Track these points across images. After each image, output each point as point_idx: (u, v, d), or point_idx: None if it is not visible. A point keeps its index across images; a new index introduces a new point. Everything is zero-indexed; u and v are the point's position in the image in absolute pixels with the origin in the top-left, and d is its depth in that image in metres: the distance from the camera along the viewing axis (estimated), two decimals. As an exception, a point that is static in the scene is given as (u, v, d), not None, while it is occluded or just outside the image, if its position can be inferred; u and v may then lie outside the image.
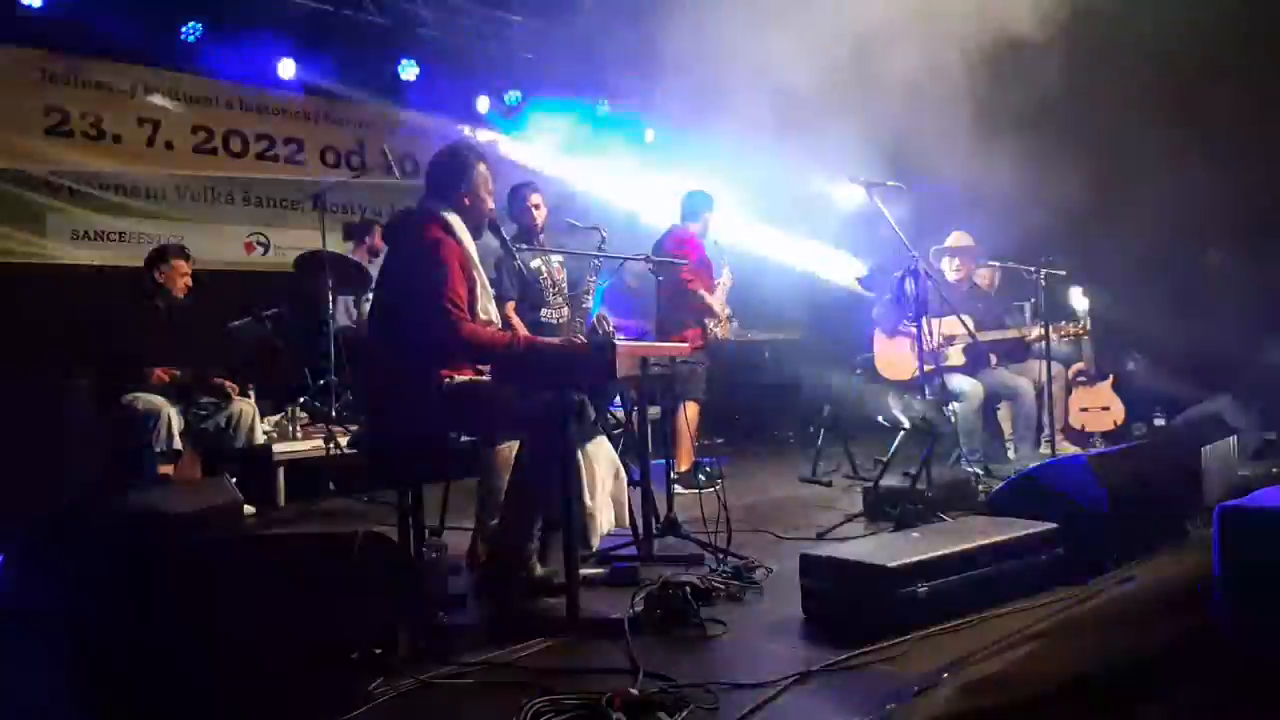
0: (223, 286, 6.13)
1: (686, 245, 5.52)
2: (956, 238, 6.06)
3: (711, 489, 4.60)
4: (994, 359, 5.80)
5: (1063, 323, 5.55)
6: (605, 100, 8.59)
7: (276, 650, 2.32)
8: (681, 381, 4.78)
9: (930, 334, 4.97)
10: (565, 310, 4.95)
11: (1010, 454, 5.86)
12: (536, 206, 4.88)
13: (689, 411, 5.33)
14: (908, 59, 5.07)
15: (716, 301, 5.71)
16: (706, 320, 5.65)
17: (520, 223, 4.89)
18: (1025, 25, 5.13)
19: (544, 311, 4.87)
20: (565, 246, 5.06)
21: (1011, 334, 5.76)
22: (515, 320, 4.70)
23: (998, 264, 6.01)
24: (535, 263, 4.83)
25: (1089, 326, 5.59)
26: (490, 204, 3.53)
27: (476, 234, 3.49)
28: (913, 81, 5.09)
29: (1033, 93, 5.56)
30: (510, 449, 3.61)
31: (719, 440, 7.16)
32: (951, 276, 5.97)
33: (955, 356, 5.63)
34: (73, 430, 5.05)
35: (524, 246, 4.60)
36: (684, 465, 5.37)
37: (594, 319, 4.85)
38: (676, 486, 4.76)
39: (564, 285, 5.02)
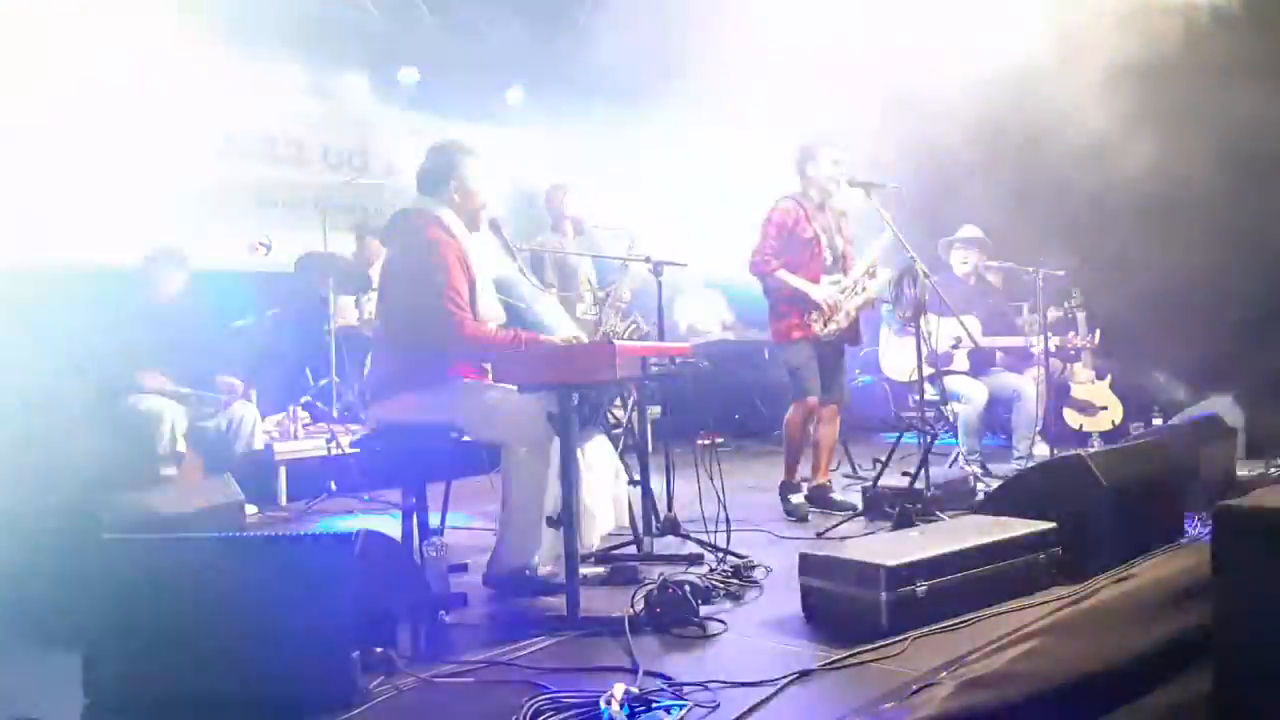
0: (224, 287, 6.12)
1: None
2: (968, 230, 6.03)
3: None
4: (999, 355, 5.81)
5: (1071, 334, 5.63)
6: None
7: (277, 649, 2.32)
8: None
9: (934, 335, 4.97)
10: (597, 309, 5.00)
11: (1013, 453, 5.88)
12: (572, 204, 5.15)
13: None
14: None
15: None
16: None
17: (556, 216, 5.25)
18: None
19: (579, 308, 4.93)
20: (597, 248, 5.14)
21: (1016, 341, 5.77)
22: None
23: (996, 264, 6.02)
24: (573, 261, 4.97)
25: (1099, 340, 5.65)
26: (482, 198, 3.53)
27: (472, 227, 3.50)
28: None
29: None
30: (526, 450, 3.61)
31: (719, 440, 7.15)
32: (960, 271, 5.95)
33: (959, 359, 5.63)
34: (74, 431, 5.03)
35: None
36: None
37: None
38: None
39: (595, 284, 5.11)
